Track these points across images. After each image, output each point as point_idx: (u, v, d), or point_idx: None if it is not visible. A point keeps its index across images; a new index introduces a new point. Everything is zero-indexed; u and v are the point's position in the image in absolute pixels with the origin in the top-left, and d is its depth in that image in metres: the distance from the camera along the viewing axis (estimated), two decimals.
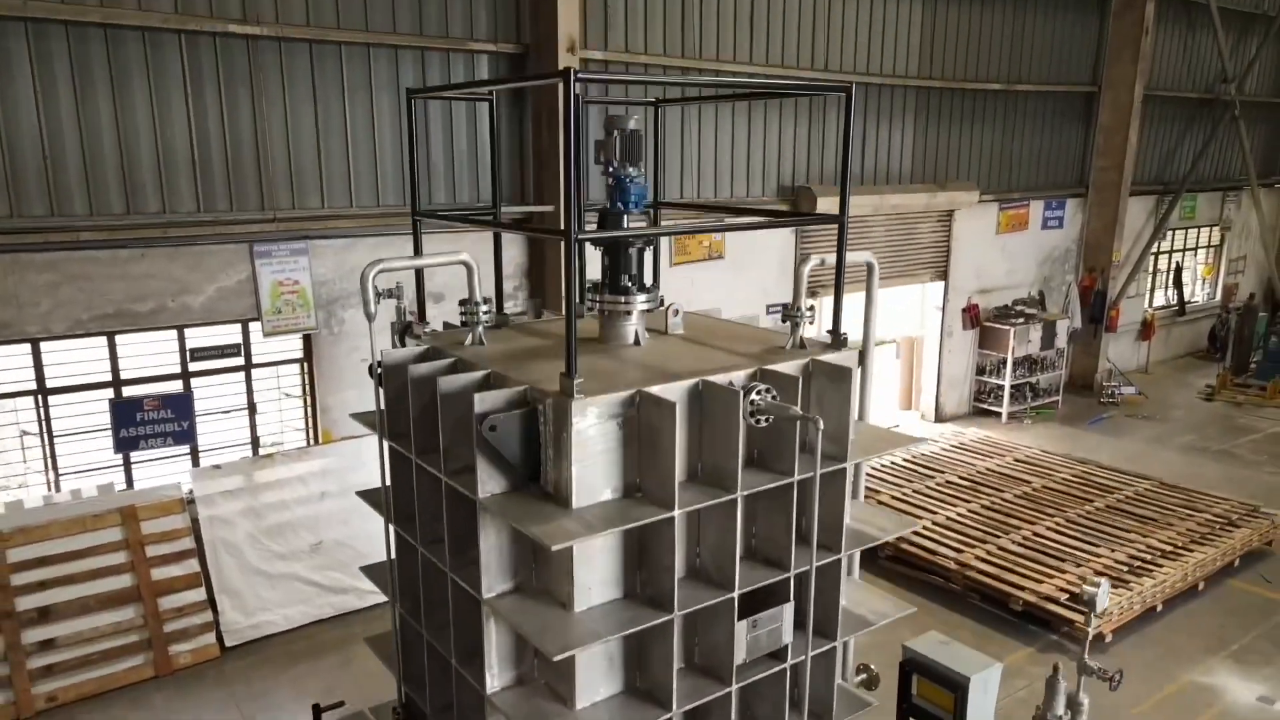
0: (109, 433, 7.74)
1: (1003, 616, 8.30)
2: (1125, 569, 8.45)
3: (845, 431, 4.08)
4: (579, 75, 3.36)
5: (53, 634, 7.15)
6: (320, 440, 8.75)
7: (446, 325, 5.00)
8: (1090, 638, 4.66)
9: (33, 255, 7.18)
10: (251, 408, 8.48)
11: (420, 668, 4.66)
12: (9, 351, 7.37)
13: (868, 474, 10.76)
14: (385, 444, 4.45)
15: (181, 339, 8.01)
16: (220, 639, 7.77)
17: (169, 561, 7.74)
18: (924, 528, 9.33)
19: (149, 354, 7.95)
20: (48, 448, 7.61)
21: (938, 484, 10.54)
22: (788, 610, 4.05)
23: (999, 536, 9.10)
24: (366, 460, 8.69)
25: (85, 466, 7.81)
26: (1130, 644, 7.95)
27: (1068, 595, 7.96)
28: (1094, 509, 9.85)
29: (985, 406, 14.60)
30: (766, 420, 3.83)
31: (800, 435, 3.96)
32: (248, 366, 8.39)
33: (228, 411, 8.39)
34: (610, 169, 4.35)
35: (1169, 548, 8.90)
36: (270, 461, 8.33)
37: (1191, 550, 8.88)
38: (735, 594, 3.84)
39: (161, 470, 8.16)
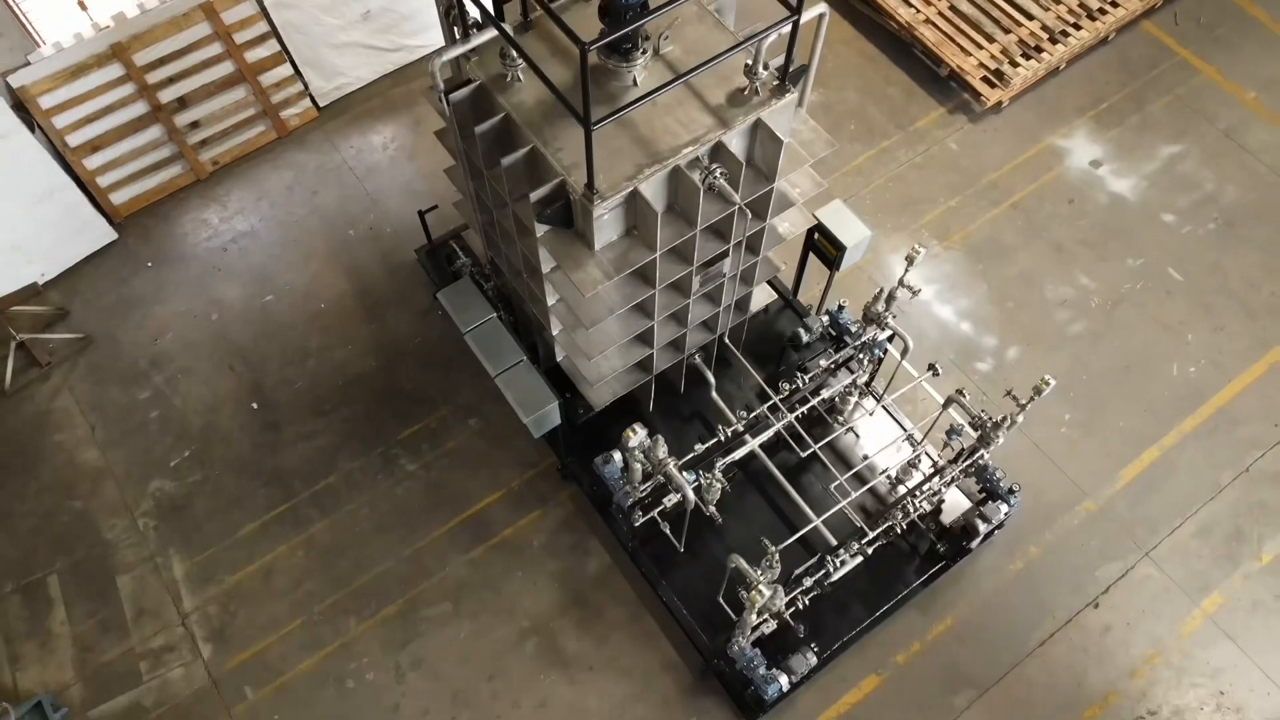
0: None
1: (935, 75, 10.23)
2: (1047, 36, 10.04)
3: (774, 168, 6.03)
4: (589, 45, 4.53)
5: (195, 116, 9.40)
6: None
7: None
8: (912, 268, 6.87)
9: None
10: None
11: (496, 245, 7.33)
12: None
13: None
14: (465, 165, 6.36)
15: None
16: (314, 102, 9.98)
17: (254, 45, 9.42)
18: None
19: None
20: None
21: None
22: (728, 261, 6.61)
23: None
24: None
25: None
26: (1021, 105, 10.11)
27: (984, 73, 9.83)
28: None
29: None
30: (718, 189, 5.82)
31: (747, 154, 5.98)
32: None
33: None
34: None
35: (1098, 4, 10.24)
36: None
37: (1119, 5, 10.25)
38: (694, 266, 6.37)
39: None
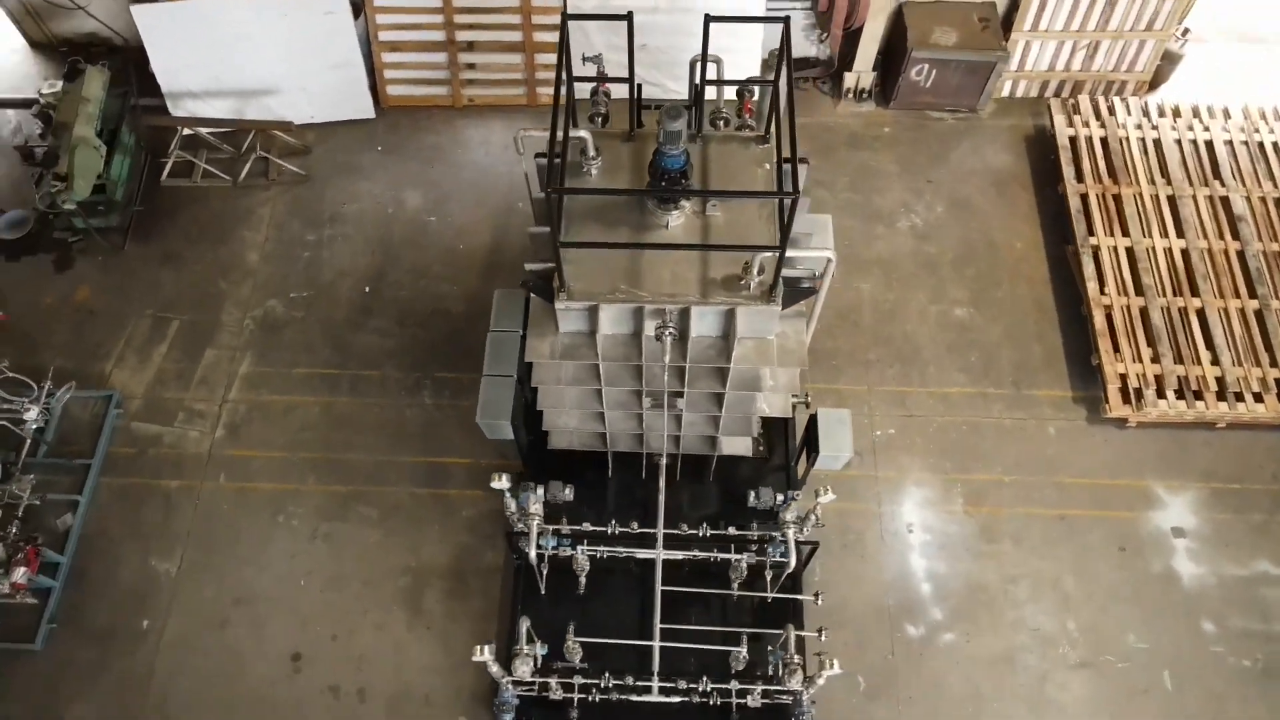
0: None
1: (1087, 358, 9.77)
2: (1217, 388, 9.25)
3: (730, 352, 6.65)
4: None
5: (475, 60, 11.36)
6: None
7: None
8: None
9: None
10: None
11: None
12: None
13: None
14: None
15: None
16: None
17: (544, 30, 11.14)
18: (1111, 247, 10.01)
19: None
20: None
21: (1206, 197, 10.30)
22: (682, 400, 7.32)
23: (1161, 297, 9.72)
24: None
25: None
26: (1149, 433, 9.43)
27: (1122, 384, 9.31)
28: None
29: None
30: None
31: (723, 329, 6.70)
32: None
33: None
34: (659, 144, 6.17)
35: None
36: None
37: None
38: (642, 387, 7.17)
39: None
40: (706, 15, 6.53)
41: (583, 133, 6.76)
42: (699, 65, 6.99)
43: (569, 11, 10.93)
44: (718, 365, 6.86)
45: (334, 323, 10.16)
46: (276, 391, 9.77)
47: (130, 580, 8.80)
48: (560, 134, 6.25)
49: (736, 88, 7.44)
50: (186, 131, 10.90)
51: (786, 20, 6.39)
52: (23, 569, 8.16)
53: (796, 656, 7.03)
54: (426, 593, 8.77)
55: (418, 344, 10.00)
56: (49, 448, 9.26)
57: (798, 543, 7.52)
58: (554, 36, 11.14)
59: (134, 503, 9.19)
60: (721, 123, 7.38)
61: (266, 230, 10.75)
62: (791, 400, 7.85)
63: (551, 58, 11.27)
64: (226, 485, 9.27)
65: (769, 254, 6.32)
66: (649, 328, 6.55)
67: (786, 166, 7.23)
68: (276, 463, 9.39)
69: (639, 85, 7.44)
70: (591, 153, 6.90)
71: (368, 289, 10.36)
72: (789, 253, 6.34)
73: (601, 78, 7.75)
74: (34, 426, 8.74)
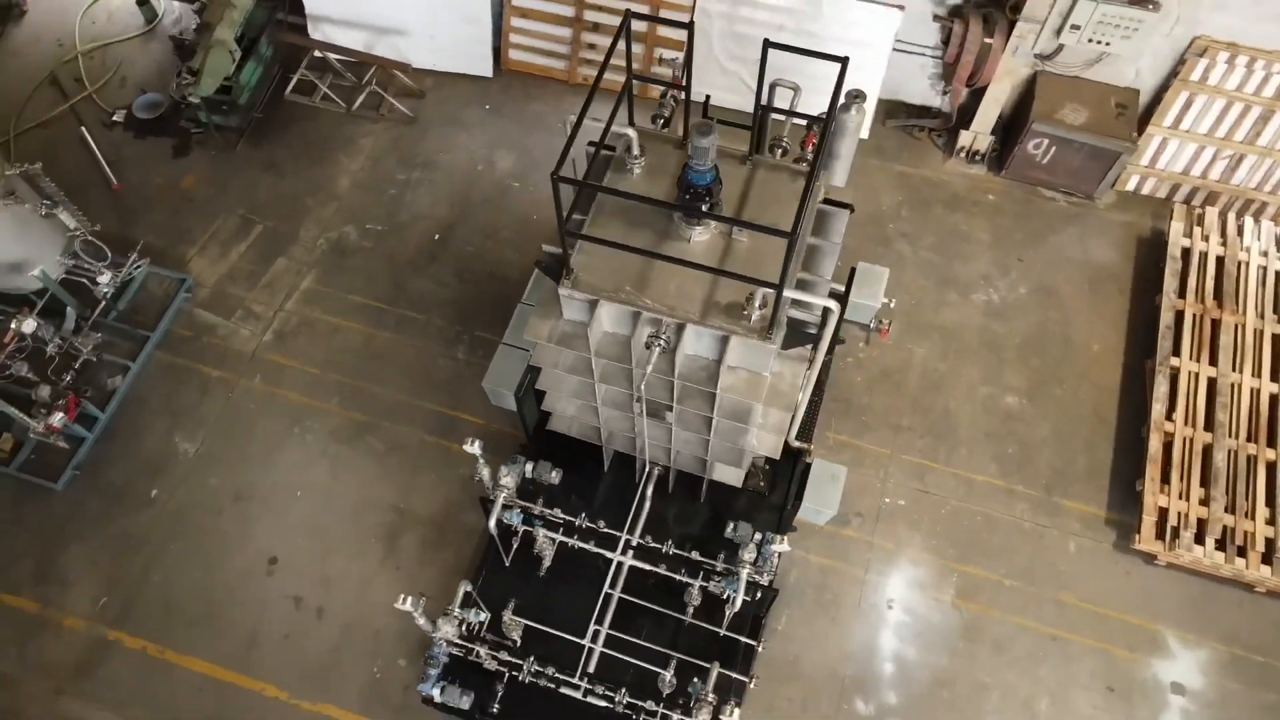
0: None
1: (1133, 480, 9.13)
2: (1264, 552, 8.45)
3: (716, 377, 6.56)
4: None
5: (595, 41, 11.50)
6: None
7: None
8: None
9: None
10: None
11: None
12: None
13: None
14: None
15: None
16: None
17: (666, 25, 11.10)
18: (1193, 373, 9.28)
19: None
20: None
21: None
22: (671, 414, 7.27)
23: (1231, 438, 8.94)
24: (825, 11, 10.53)
25: None
26: (1181, 577, 8.73)
27: (1160, 518, 8.63)
28: None
29: None
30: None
31: (718, 352, 6.62)
32: None
33: None
34: (689, 160, 6.13)
35: None
36: None
37: None
38: (632, 390, 7.16)
39: None
40: (766, 40, 6.43)
41: (628, 130, 6.79)
42: (767, 90, 6.92)
43: (692, 18, 11.00)
44: (705, 388, 6.78)
45: (398, 261, 10.56)
46: (329, 312, 10.24)
47: (152, 450, 9.45)
48: (583, 121, 6.31)
49: (807, 119, 7.34)
50: (317, 54, 11.50)
51: (844, 60, 6.22)
52: (61, 414, 8.90)
53: (713, 695, 6.91)
54: (406, 535, 9.05)
55: (468, 300, 10.28)
56: (119, 314, 10.02)
57: (752, 584, 7.39)
58: (676, 33, 11.18)
59: (176, 381, 9.84)
60: (779, 151, 7.28)
61: (363, 161, 11.26)
62: (794, 444, 7.71)
63: (669, 53, 11.30)
64: (260, 386, 9.82)
65: (770, 290, 6.19)
66: (642, 334, 6.53)
67: (825, 206, 7.20)
68: (309, 378, 9.86)
69: (708, 95, 7.42)
70: (636, 151, 6.92)
71: (437, 237, 10.71)
72: (792, 294, 6.22)
73: (673, 83, 7.73)
74: (105, 291, 9.48)
